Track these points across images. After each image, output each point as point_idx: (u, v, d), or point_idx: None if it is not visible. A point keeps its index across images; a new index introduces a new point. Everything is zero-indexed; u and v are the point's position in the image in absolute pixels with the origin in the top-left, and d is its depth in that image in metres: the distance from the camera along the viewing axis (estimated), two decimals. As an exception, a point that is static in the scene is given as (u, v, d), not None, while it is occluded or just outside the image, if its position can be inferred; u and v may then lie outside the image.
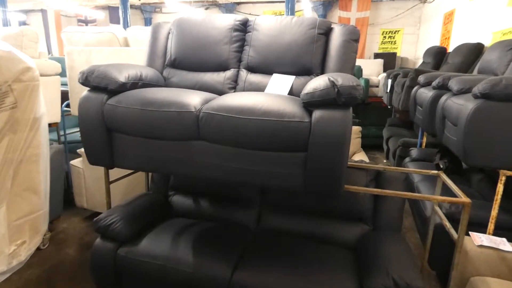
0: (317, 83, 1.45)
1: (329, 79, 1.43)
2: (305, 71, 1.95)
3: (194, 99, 1.62)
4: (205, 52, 2.09)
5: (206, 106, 1.56)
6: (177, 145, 1.63)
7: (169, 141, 1.63)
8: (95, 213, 3.12)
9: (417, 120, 3.33)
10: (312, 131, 1.42)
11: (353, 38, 1.94)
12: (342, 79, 1.41)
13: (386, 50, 8.18)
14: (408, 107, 3.70)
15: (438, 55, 4.72)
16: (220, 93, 2.03)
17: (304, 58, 1.94)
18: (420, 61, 5.70)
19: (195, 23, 2.15)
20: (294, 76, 1.95)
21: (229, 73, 2.06)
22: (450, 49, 5.01)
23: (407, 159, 3.76)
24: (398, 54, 8.01)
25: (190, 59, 2.12)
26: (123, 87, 1.73)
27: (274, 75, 1.98)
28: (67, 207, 3.18)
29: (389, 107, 5.16)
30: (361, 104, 6.26)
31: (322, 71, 1.96)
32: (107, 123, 1.68)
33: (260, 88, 1.97)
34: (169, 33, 2.22)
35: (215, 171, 1.60)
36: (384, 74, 5.75)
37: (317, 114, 1.42)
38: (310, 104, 1.45)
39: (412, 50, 8.01)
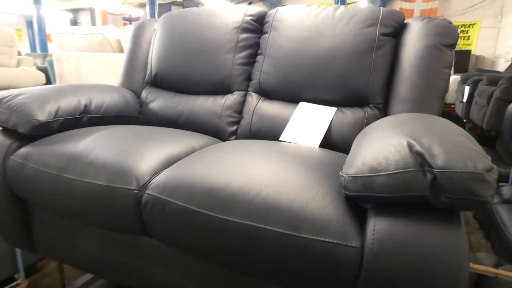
0: (381, 151, 0.64)
1: (410, 146, 0.62)
2: (355, 99, 1.14)
3: (149, 159, 0.89)
4: (198, 65, 1.35)
5: (156, 181, 0.83)
6: (118, 240, 0.93)
7: (105, 231, 0.92)
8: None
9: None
10: (367, 265, 0.62)
11: (446, 42, 1.08)
12: (445, 149, 0.59)
13: (458, 47, 6.83)
14: (499, 126, 2.68)
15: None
16: (214, 131, 1.28)
17: (355, 78, 1.12)
18: (501, 61, 4.49)
19: (186, 20, 1.42)
20: (335, 108, 1.14)
21: (231, 98, 1.31)
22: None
23: (496, 199, 2.73)
24: (472, 52, 6.66)
25: (176, 75, 1.40)
26: (44, 129, 1.05)
27: (302, 104, 1.19)
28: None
29: (464, 121, 4.05)
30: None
31: (386, 101, 1.13)
32: (14, 187, 1.02)
33: (275, 127, 1.19)
34: (153, 35, 1.52)
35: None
36: (457, 77, 4.62)
37: (379, 226, 0.62)
38: (365, 199, 0.65)
39: (491, 47, 6.61)
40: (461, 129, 0.74)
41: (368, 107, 1.12)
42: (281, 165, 0.81)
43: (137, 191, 0.82)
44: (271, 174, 0.77)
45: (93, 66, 2.22)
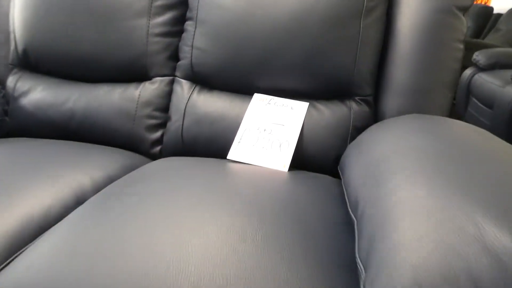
0: (449, 255, 0.30)
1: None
2: (335, 88, 0.78)
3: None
4: (91, 35, 0.87)
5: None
6: None
7: None
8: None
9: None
10: None
11: (460, 4, 0.75)
12: None
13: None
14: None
15: (480, 18, 3.50)
16: (127, 141, 0.85)
17: (335, 56, 0.75)
18: None
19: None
20: (307, 104, 0.78)
21: (150, 89, 0.86)
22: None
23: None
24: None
25: (59, 52, 0.90)
26: None
27: (256, 97, 0.81)
28: None
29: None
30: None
31: (377, 90, 0.79)
32: None
33: (220, 135, 0.79)
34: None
35: None
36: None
37: None
38: None
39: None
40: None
41: (354, 100, 0.77)
42: (235, 238, 0.44)
43: None
44: (219, 267, 0.39)
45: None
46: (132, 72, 0.88)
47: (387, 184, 0.43)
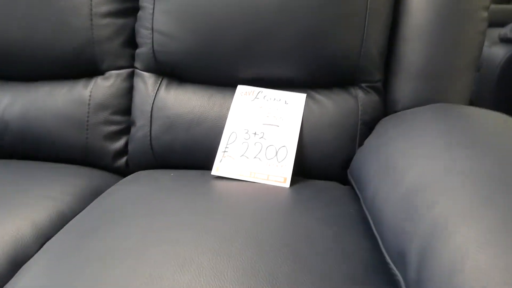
0: None
1: None
2: (337, 74, 0.63)
3: None
4: (22, 17, 0.66)
5: None
6: None
7: None
8: None
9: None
10: None
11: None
12: None
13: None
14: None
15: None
16: (83, 156, 0.68)
17: (338, 35, 0.60)
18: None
19: None
20: (304, 95, 0.63)
21: (104, 86, 0.67)
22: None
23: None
24: None
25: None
26: None
27: (241, 89, 0.65)
28: None
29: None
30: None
31: (387, 74, 0.65)
32: None
33: (199, 142, 0.63)
34: None
35: None
36: None
37: None
38: None
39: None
40: None
41: (360, 88, 0.63)
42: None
43: None
44: None
45: None
46: (77, 66, 0.69)
47: (448, 241, 0.31)
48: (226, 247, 0.39)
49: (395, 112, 0.63)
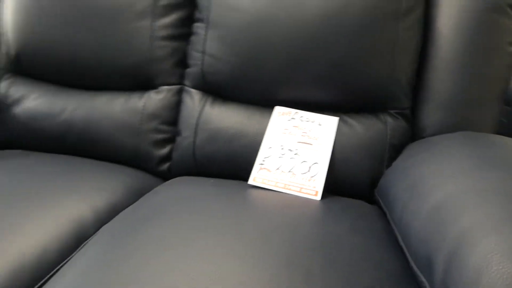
0: None
1: None
2: (368, 100, 0.69)
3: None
4: (89, 37, 0.76)
5: None
6: None
7: None
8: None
9: None
10: None
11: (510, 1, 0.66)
12: None
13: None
14: None
15: None
16: (132, 157, 0.76)
17: (370, 64, 0.66)
18: None
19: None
20: (337, 118, 0.69)
21: (155, 99, 0.76)
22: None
23: None
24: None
25: (55, 56, 0.79)
26: None
27: (278, 110, 0.71)
28: None
29: None
30: None
31: (415, 101, 0.70)
32: None
33: (239, 154, 0.69)
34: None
35: None
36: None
37: None
38: None
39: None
40: None
41: (388, 114, 0.68)
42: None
43: None
44: None
45: None
46: (135, 80, 0.78)
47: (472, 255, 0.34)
48: (263, 244, 0.44)
49: (423, 138, 0.67)
